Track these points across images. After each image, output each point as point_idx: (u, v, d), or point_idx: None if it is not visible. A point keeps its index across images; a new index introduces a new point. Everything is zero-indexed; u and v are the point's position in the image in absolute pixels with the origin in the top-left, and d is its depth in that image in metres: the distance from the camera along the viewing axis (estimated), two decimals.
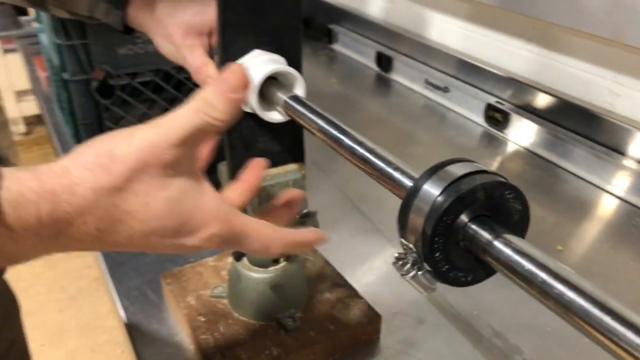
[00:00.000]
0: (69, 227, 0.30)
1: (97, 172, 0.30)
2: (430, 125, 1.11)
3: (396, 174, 0.35)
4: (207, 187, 0.35)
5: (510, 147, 1.01)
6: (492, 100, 1.04)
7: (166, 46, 0.56)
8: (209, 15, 0.53)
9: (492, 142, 1.03)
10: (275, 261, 0.59)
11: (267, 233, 0.37)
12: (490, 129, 1.06)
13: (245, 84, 0.35)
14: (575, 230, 0.81)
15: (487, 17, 1.10)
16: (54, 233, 0.30)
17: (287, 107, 0.46)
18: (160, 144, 0.32)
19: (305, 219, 0.56)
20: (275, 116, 0.49)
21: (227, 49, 0.47)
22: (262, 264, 0.58)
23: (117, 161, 0.30)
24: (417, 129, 1.10)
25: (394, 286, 0.68)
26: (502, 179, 0.31)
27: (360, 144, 0.38)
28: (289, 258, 0.59)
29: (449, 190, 0.31)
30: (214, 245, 0.34)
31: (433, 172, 0.32)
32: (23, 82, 2.46)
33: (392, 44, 1.30)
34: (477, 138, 1.06)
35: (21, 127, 2.69)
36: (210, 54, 0.54)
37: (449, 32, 1.20)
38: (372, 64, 1.34)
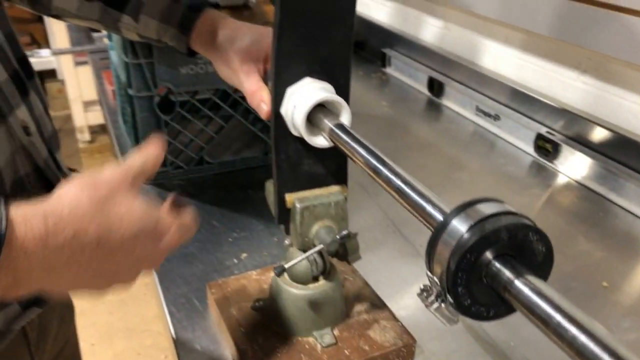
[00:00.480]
0: (72, 238, 0.36)
1: (88, 190, 0.38)
2: (479, 152, 1.11)
3: (428, 207, 0.37)
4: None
5: (560, 179, 1.00)
6: (543, 130, 1.04)
7: (225, 70, 0.60)
8: (265, 44, 0.56)
9: (541, 173, 1.02)
10: (315, 279, 0.61)
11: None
12: (540, 159, 1.04)
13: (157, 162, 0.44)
14: (624, 267, 0.79)
15: (542, 47, 1.10)
16: (60, 244, 0.35)
17: (332, 134, 0.49)
18: (126, 172, 0.42)
19: (346, 239, 0.57)
20: (320, 141, 0.51)
21: (280, 76, 0.50)
22: (302, 281, 0.60)
23: (100, 182, 0.39)
24: (465, 155, 1.10)
25: (431, 313, 0.68)
26: (527, 222, 0.32)
27: (397, 175, 0.40)
28: (328, 276, 0.61)
29: (474, 228, 0.32)
30: (176, 244, 0.44)
31: (462, 209, 0.33)
32: (91, 93, 2.62)
33: (445, 70, 1.31)
34: (526, 167, 1.05)
35: (86, 136, 2.84)
36: (265, 79, 0.57)
37: (502, 60, 1.20)
38: (424, 89, 1.35)
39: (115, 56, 1.06)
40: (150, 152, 0.44)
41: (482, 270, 0.32)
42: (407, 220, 0.89)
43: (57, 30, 2.61)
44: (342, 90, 0.53)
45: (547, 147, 1.02)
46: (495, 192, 0.99)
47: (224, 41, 0.58)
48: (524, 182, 1.01)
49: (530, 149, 1.06)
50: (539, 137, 1.04)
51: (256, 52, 0.57)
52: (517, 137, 1.10)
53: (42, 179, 0.55)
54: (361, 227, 0.86)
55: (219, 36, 0.59)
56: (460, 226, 0.32)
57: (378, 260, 0.79)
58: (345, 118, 0.51)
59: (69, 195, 0.37)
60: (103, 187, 0.39)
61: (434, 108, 1.30)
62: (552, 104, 1.05)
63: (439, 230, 0.33)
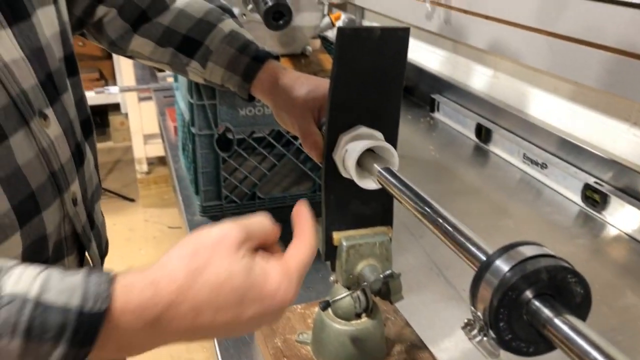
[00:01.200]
0: (166, 310, 0.37)
1: (187, 260, 0.38)
2: (525, 200, 1.12)
3: (473, 248, 0.39)
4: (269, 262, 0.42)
5: (608, 230, 0.99)
6: (591, 180, 1.04)
7: (283, 115, 0.65)
8: (321, 93, 0.61)
9: (589, 223, 1.02)
10: (358, 316, 0.64)
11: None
12: (588, 209, 1.04)
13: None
14: None
15: (591, 98, 1.11)
16: (154, 317, 0.37)
17: (380, 177, 0.52)
18: (231, 231, 0.41)
19: (389, 279, 0.60)
20: (369, 184, 0.55)
21: (333, 124, 0.55)
22: (345, 317, 0.63)
23: (201, 248, 0.39)
24: (511, 202, 1.11)
25: (471, 356, 0.69)
26: (566, 264, 0.34)
27: (443, 217, 0.43)
28: (370, 314, 0.64)
29: (516, 268, 0.34)
30: (293, 297, 0.42)
31: (505, 250, 0.36)
32: (151, 127, 2.76)
33: (493, 117, 1.34)
34: (573, 217, 1.05)
35: (144, 167, 2.98)
36: (319, 125, 0.62)
37: (550, 109, 1.21)
38: (472, 135, 1.37)
39: (180, 96, 1.14)
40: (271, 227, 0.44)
41: (523, 308, 0.34)
42: (451, 264, 0.91)
43: (125, 68, 2.79)
44: (391, 138, 0.56)
45: (595, 198, 1.02)
46: (541, 240, 0.98)
47: (283, 90, 0.64)
48: (570, 231, 1.01)
49: (577, 199, 1.06)
50: (587, 187, 1.04)
51: (312, 100, 0.62)
52: (565, 186, 1.10)
53: (77, 241, 0.59)
54: (405, 268, 0.88)
55: (279, 85, 0.64)
56: (503, 266, 0.34)
57: (420, 302, 0.81)
58: (393, 163, 0.54)
59: (167, 267, 0.38)
60: (202, 254, 0.39)
61: (481, 154, 1.32)
62: (601, 154, 1.05)
63: (482, 269, 0.35)
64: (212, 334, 0.40)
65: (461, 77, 1.51)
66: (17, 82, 0.48)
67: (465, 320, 0.38)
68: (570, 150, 1.11)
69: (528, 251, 0.36)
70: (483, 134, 1.33)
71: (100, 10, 0.71)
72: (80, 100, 0.62)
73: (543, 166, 1.15)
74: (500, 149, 1.28)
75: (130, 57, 0.76)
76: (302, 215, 0.46)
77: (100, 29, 0.73)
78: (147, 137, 2.89)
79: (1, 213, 0.47)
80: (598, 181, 1.03)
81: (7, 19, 0.48)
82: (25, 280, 0.35)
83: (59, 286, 0.35)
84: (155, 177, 2.99)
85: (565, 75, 1.09)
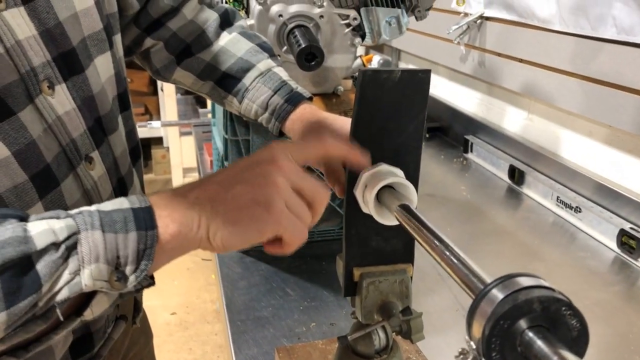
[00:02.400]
0: (194, 187, 0.45)
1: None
2: (558, 244, 1.09)
3: (473, 279, 0.39)
4: None
5: None
6: (627, 226, 1.01)
7: None
8: (345, 132, 0.63)
9: (624, 270, 0.99)
10: (378, 354, 0.63)
11: None
12: (624, 255, 1.01)
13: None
14: None
15: (627, 143, 1.09)
16: (186, 189, 0.45)
17: (398, 214, 0.53)
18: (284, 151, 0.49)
19: (409, 317, 0.60)
20: (388, 220, 0.56)
21: None
22: (365, 355, 0.63)
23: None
24: (543, 246, 1.09)
25: None
26: (561, 296, 0.34)
27: (449, 249, 0.43)
28: (390, 352, 0.63)
29: (509, 297, 0.34)
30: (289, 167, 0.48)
31: (501, 280, 0.36)
32: (190, 160, 2.85)
33: (526, 159, 1.32)
34: (608, 263, 1.02)
35: None
36: (343, 163, 0.63)
37: (585, 153, 1.19)
38: (504, 176, 1.36)
39: (216, 132, 1.18)
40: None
41: (516, 339, 0.34)
42: None
43: (168, 104, 2.91)
44: (412, 176, 0.57)
45: (631, 244, 0.99)
46: (574, 285, 0.96)
47: (310, 129, 0.66)
48: (605, 277, 0.98)
49: (613, 245, 1.03)
50: (623, 233, 1.01)
51: (337, 138, 0.63)
52: (599, 231, 1.07)
53: None
54: (431, 308, 0.88)
55: (307, 125, 0.67)
56: (497, 295, 0.34)
57: (444, 343, 0.80)
58: (412, 200, 0.55)
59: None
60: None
61: (513, 196, 1.31)
62: (637, 200, 1.02)
63: (479, 298, 0.36)
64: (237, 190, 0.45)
65: (495, 119, 1.50)
66: (67, 132, 0.52)
67: (459, 349, 0.38)
68: (606, 195, 1.09)
69: (524, 282, 0.36)
70: (516, 176, 1.31)
71: (148, 41, 0.75)
72: (131, 131, 0.66)
73: (577, 210, 1.13)
74: (534, 191, 1.27)
75: (173, 83, 0.80)
76: None
77: (146, 58, 0.77)
78: (186, 170, 2.98)
79: None
80: (634, 227, 1.00)
81: (63, 74, 0.52)
82: (81, 208, 0.42)
83: (109, 203, 0.43)
84: None
85: (599, 119, 1.08)
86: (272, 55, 0.76)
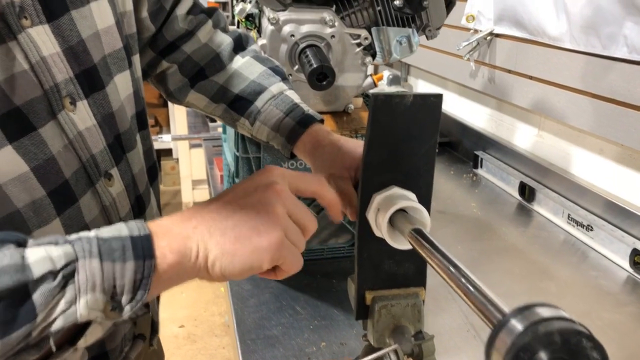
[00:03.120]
0: (196, 211, 0.46)
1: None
2: (569, 262, 1.08)
3: (491, 308, 0.39)
4: None
5: None
6: None
7: (321, 174, 0.67)
8: (358, 155, 0.63)
9: (637, 290, 0.98)
10: None
11: None
12: (636, 275, 1.00)
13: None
14: None
15: (639, 161, 1.08)
16: (187, 215, 0.45)
17: (411, 237, 0.53)
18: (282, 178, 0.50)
19: (421, 341, 0.60)
20: (401, 244, 0.56)
21: (366, 185, 0.56)
22: None
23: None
24: (554, 264, 1.08)
25: None
26: (582, 328, 0.34)
27: (466, 277, 0.43)
28: None
29: (528, 329, 0.34)
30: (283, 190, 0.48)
31: (520, 311, 0.36)
32: (199, 173, 2.86)
33: (537, 176, 1.32)
34: (621, 283, 1.01)
35: None
36: (355, 185, 0.63)
37: (596, 171, 1.19)
38: (515, 193, 1.35)
39: (227, 148, 1.19)
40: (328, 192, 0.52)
41: None
42: (487, 326, 0.88)
43: (178, 116, 2.93)
44: (424, 199, 0.57)
45: None
46: (585, 305, 0.95)
47: (323, 152, 0.67)
48: (617, 297, 0.97)
49: (625, 264, 1.03)
50: (635, 252, 1.00)
51: (349, 161, 0.64)
52: (612, 250, 1.06)
53: None
54: (441, 329, 0.87)
55: (319, 147, 0.67)
56: (516, 326, 0.34)
57: None
58: (425, 224, 0.55)
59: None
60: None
61: (524, 213, 1.30)
62: None
63: (497, 328, 0.35)
64: (229, 218, 0.45)
65: (505, 135, 1.50)
66: (88, 148, 0.53)
67: None
68: (618, 213, 1.08)
69: (544, 312, 0.35)
70: (527, 192, 1.31)
71: (163, 64, 0.77)
72: (149, 150, 0.67)
73: (589, 228, 1.12)
74: (544, 208, 1.26)
75: (186, 106, 0.81)
76: None
77: (161, 80, 0.79)
78: (196, 183, 2.99)
79: None
80: None
81: (85, 91, 0.53)
82: (80, 234, 0.42)
83: (108, 229, 0.42)
84: None
85: (610, 137, 1.08)
86: (284, 78, 0.77)
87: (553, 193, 1.25)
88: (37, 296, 0.38)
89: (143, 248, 0.42)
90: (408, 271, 0.60)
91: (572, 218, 1.17)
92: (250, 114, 0.73)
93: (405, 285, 0.60)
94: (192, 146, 2.88)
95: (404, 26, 0.92)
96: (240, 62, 0.77)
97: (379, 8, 0.90)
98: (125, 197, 0.59)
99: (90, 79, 0.54)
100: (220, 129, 1.86)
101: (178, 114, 2.94)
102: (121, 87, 0.60)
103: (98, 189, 0.54)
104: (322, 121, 0.73)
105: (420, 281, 0.61)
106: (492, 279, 1.00)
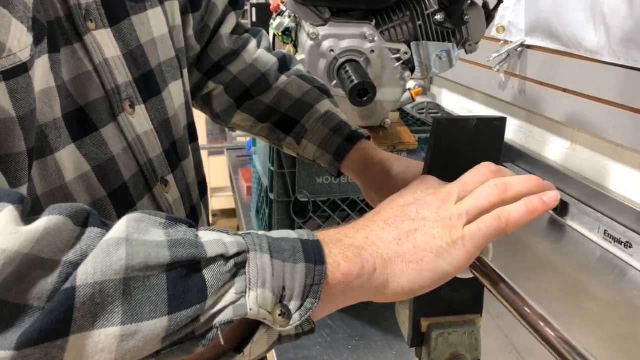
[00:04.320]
0: (363, 220, 0.45)
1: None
2: (608, 281, 1.06)
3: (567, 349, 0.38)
4: None
5: None
6: None
7: (371, 194, 0.66)
8: (412, 175, 0.62)
9: None
10: None
11: None
12: None
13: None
14: None
15: None
16: (352, 227, 0.44)
17: (473, 267, 0.51)
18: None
19: None
20: (463, 274, 0.54)
21: None
22: None
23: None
24: (591, 282, 1.06)
25: None
26: None
27: (548, 324, 0.41)
28: None
29: None
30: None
31: None
32: (219, 181, 2.85)
33: (570, 190, 1.30)
34: None
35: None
36: None
37: (634, 186, 1.16)
38: None
39: (258, 161, 1.18)
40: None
41: None
42: (530, 347, 0.86)
43: (197, 122, 2.92)
44: None
45: None
46: (629, 328, 0.93)
47: (373, 170, 0.65)
48: None
49: None
50: None
51: (402, 181, 0.62)
52: None
53: None
54: (483, 349, 0.85)
55: (369, 165, 0.66)
56: None
57: None
58: (487, 253, 0.53)
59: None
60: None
61: (556, 228, 1.28)
62: None
63: None
64: (404, 248, 0.43)
65: (535, 147, 1.48)
66: (146, 152, 0.53)
67: None
68: None
69: None
70: (559, 207, 1.28)
71: (210, 85, 0.76)
72: (199, 163, 0.67)
73: (627, 245, 1.09)
74: (578, 223, 1.24)
75: (231, 128, 0.81)
76: None
77: (207, 102, 0.78)
78: (214, 190, 2.98)
79: None
80: None
81: (143, 95, 0.53)
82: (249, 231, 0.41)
83: (275, 232, 0.41)
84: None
85: None
86: (330, 97, 0.76)
87: (588, 208, 1.22)
88: (209, 276, 0.35)
89: (314, 252, 0.39)
90: (465, 298, 0.58)
91: (608, 234, 1.14)
92: (296, 133, 0.72)
93: (461, 312, 0.59)
94: (211, 154, 2.87)
95: (444, 40, 0.91)
96: (286, 82, 0.76)
97: (419, 22, 0.89)
98: (181, 205, 0.59)
99: (148, 84, 0.55)
100: (241, 139, 1.85)
101: (197, 121, 2.94)
102: (175, 95, 0.60)
103: (155, 194, 0.54)
104: (369, 138, 0.71)
105: (477, 308, 0.59)
106: (529, 298, 0.98)
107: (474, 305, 0.59)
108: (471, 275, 0.53)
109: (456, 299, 0.58)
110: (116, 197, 0.49)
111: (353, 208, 1.00)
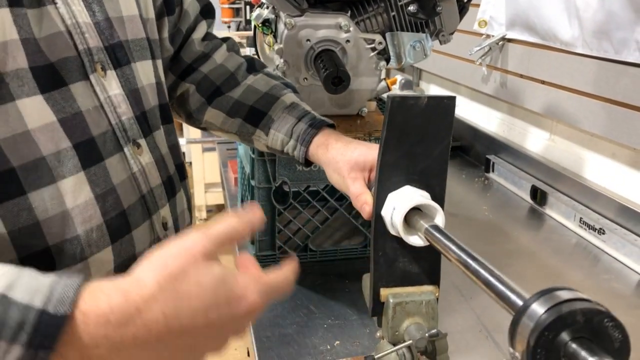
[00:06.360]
0: (137, 314, 0.36)
1: (157, 270, 0.38)
2: (582, 266, 1.09)
3: (511, 295, 0.41)
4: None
5: None
6: None
7: (335, 177, 0.69)
8: (371, 156, 0.65)
9: None
10: None
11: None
12: None
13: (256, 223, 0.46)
14: None
15: None
16: (124, 320, 0.35)
17: (427, 234, 0.54)
18: (203, 240, 0.41)
19: (435, 338, 0.61)
20: (416, 240, 0.57)
21: (382, 184, 0.58)
22: None
23: (170, 258, 0.39)
24: (567, 268, 1.09)
25: None
26: (602, 308, 0.35)
27: (485, 267, 0.44)
28: None
29: (551, 310, 0.35)
30: (260, 305, 0.42)
31: (541, 294, 0.37)
32: (212, 176, 2.88)
33: (549, 180, 1.33)
34: (633, 286, 1.01)
35: (203, 214, 3.09)
36: (369, 185, 0.65)
37: (608, 174, 1.19)
38: (527, 197, 1.36)
39: (242, 150, 1.21)
40: (244, 218, 0.44)
41: (560, 350, 0.35)
42: (500, 327, 0.89)
43: None
44: (438, 198, 0.59)
45: None
46: None
47: (336, 154, 0.68)
48: (630, 300, 0.97)
49: (638, 267, 1.03)
50: None
51: (362, 163, 0.66)
52: (624, 254, 1.07)
53: None
54: (454, 329, 0.88)
55: (332, 149, 0.69)
56: (538, 308, 0.36)
57: None
58: (440, 221, 0.56)
59: (138, 277, 0.38)
60: (172, 263, 0.38)
61: (535, 216, 1.31)
62: None
63: (520, 312, 0.37)
64: (182, 345, 0.39)
65: (517, 139, 1.51)
66: (117, 113, 0.56)
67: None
68: (630, 217, 1.09)
69: (564, 295, 0.37)
70: (538, 196, 1.31)
71: (183, 86, 0.81)
72: (174, 146, 0.69)
73: (601, 232, 1.12)
74: (556, 212, 1.27)
75: (204, 128, 0.84)
76: (290, 263, 0.47)
77: (182, 103, 0.83)
78: (208, 186, 3.01)
79: (94, 226, 0.53)
80: None
81: (113, 63, 0.57)
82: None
83: (28, 285, 0.35)
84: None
85: (623, 141, 1.09)
86: (295, 92, 0.81)
87: (565, 197, 1.25)
88: None
89: (45, 335, 0.33)
90: (422, 269, 0.61)
91: (584, 221, 1.17)
92: (264, 124, 0.76)
93: (419, 283, 0.62)
94: (205, 150, 2.91)
95: (417, 31, 0.94)
96: (253, 79, 0.81)
97: (393, 13, 0.92)
98: (155, 169, 0.61)
99: (117, 54, 0.58)
100: None
101: None
102: (143, 73, 0.63)
103: (127, 154, 0.57)
104: (333, 126, 0.75)
105: (434, 279, 0.62)
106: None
107: (431, 277, 0.62)
108: (425, 243, 0.57)
109: (414, 270, 0.61)
110: (82, 149, 0.52)
111: (332, 194, 1.03)
